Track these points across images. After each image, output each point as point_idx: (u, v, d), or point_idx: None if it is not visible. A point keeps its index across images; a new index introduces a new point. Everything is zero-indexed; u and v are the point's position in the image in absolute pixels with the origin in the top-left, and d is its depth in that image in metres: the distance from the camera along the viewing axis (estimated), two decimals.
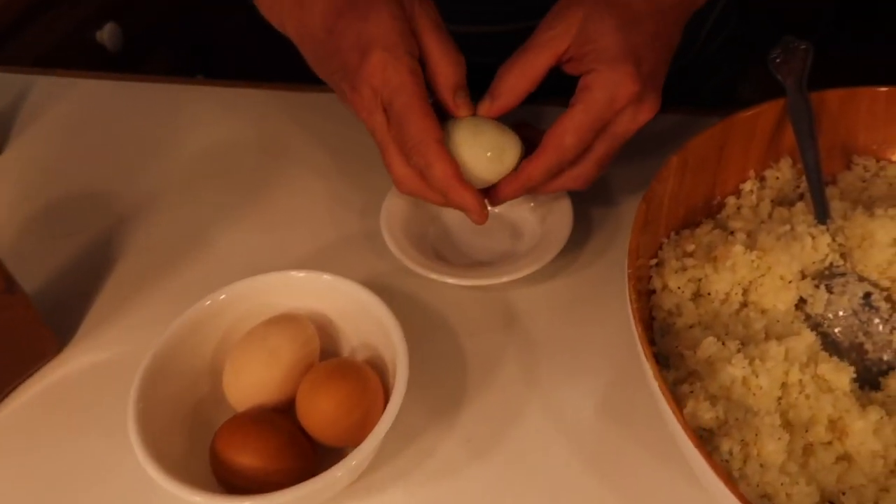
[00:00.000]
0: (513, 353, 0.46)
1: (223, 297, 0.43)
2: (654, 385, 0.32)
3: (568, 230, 0.49)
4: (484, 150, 0.43)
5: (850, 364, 0.39)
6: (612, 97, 0.41)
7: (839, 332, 0.40)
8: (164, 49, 1.16)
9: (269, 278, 0.43)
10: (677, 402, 0.35)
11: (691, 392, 0.35)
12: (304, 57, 0.48)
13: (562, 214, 0.50)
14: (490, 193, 0.46)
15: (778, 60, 0.47)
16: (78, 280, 0.53)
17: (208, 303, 0.42)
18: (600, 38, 0.41)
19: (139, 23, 1.13)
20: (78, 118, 0.67)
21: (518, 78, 0.43)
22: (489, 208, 0.45)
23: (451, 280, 0.47)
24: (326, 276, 0.43)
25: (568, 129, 0.42)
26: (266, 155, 0.62)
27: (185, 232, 0.56)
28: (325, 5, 0.44)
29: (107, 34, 1.08)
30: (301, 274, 0.43)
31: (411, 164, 0.43)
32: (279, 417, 0.40)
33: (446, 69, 0.43)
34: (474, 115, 0.44)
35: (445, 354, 0.47)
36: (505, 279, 0.47)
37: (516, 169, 0.44)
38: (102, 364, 0.48)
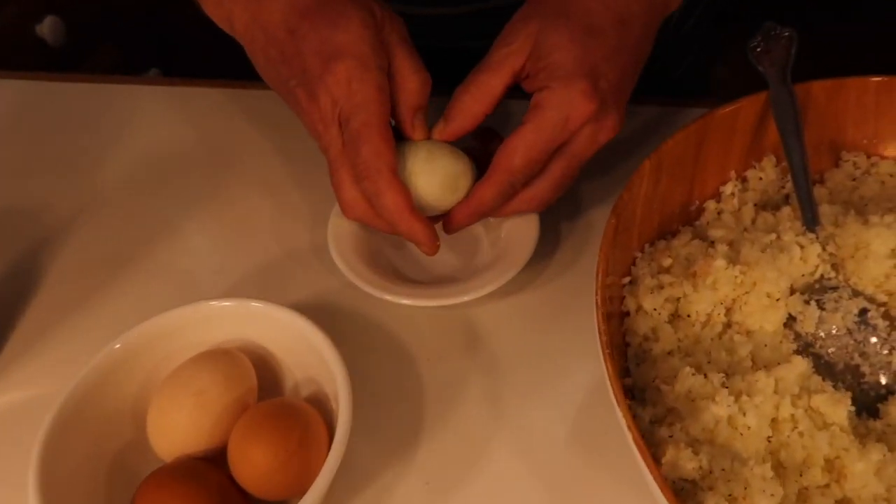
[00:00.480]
0: (475, 380, 0.42)
1: (139, 335, 0.38)
2: (629, 436, 0.27)
3: (534, 240, 0.44)
4: (438, 178, 0.40)
5: (846, 388, 0.35)
6: (566, 117, 0.37)
7: (832, 352, 0.36)
8: (112, 43, 1.09)
9: (191, 311, 0.38)
10: (655, 446, 0.31)
11: (670, 437, 0.31)
12: (250, 56, 0.43)
13: (527, 223, 0.45)
14: (444, 221, 0.42)
15: (759, 49, 0.43)
16: None
17: (118, 346, 0.37)
18: (554, 52, 0.37)
19: (83, 14, 1.06)
20: (7, 122, 0.61)
21: (473, 100, 0.40)
22: (443, 236, 0.42)
23: (407, 301, 0.43)
24: (256, 304, 0.38)
25: (517, 150, 0.38)
26: (211, 161, 0.57)
27: (119, 250, 0.51)
28: (287, 3, 0.40)
29: (47, 28, 1.01)
30: (227, 303, 0.38)
31: (361, 188, 0.39)
32: (209, 469, 0.35)
33: (413, 87, 0.40)
34: (429, 138, 0.40)
35: (401, 383, 0.42)
36: (466, 298, 0.42)
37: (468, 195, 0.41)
38: (17, 405, 0.43)
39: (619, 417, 0.28)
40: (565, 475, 0.37)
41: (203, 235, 0.52)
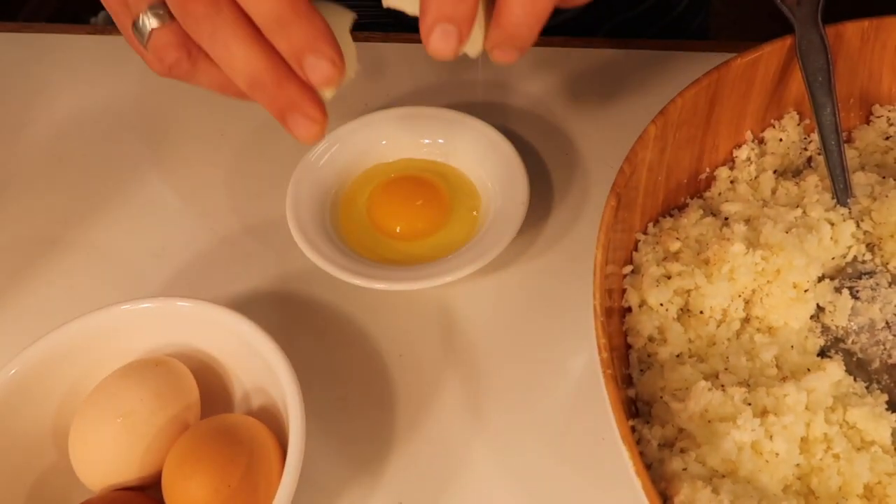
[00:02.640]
0: (452, 379, 0.37)
1: (60, 341, 0.32)
2: (637, 483, 0.22)
3: (523, 206, 0.38)
4: None
5: (882, 390, 0.30)
6: None
7: (868, 349, 0.31)
8: None
9: (114, 313, 0.32)
10: (666, 482, 0.26)
11: (684, 470, 0.25)
12: None
13: (513, 185, 0.39)
14: (495, 27, 0.28)
15: None
16: None
17: (13, 371, 0.31)
18: None
19: None
20: None
21: None
22: None
23: (380, 286, 0.37)
24: (184, 303, 0.32)
25: None
26: (153, 124, 0.50)
27: (43, 230, 0.44)
28: None
29: None
30: (148, 304, 0.32)
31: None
32: (143, 502, 0.30)
33: None
34: None
35: (368, 383, 0.37)
36: (446, 279, 0.37)
37: None
38: None
39: (626, 458, 0.23)
40: (555, 492, 0.33)
41: (144, 211, 0.45)
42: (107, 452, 0.30)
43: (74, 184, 0.47)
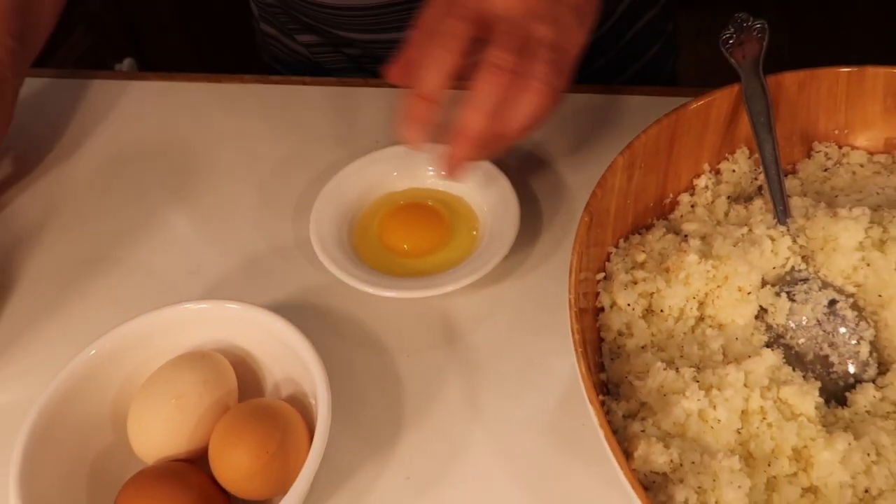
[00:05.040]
0: (454, 375, 0.42)
1: (117, 338, 0.38)
2: (601, 433, 0.28)
3: (515, 227, 0.45)
4: None
5: (816, 378, 0.36)
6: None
7: (803, 343, 0.37)
8: (82, 32, 1.07)
9: (168, 314, 0.38)
10: (628, 442, 0.31)
11: (642, 431, 0.31)
12: None
13: (506, 209, 0.46)
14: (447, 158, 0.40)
15: (731, 41, 0.43)
16: None
17: (92, 352, 0.37)
18: None
19: None
20: None
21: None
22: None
23: (390, 293, 0.43)
24: (232, 305, 0.38)
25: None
26: (186, 157, 0.56)
27: (91, 251, 0.51)
28: None
29: None
30: (203, 305, 0.38)
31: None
32: (191, 471, 0.36)
33: None
34: None
35: (380, 378, 0.43)
36: (448, 289, 0.43)
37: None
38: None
39: (592, 415, 0.29)
40: (543, 470, 0.38)
41: (180, 234, 0.51)
42: (161, 428, 0.36)
43: (116, 212, 0.53)
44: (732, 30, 0.43)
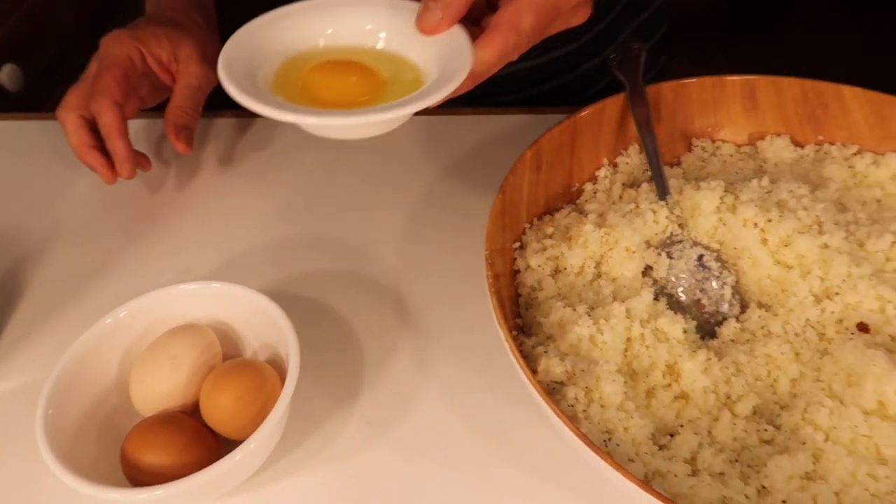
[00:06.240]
0: (406, 344, 0.50)
1: (123, 313, 0.45)
2: (510, 353, 0.36)
3: (467, 66, 0.37)
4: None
5: (693, 318, 0.44)
6: None
7: (682, 291, 0.46)
8: (70, 84, 1.16)
9: (165, 292, 0.46)
10: (534, 361, 0.40)
11: (545, 352, 0.40)
12: None
13: (458, 54, 0.38)
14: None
15: (618, 60, 0.53)
16: None
17: (109, 320, 0.44)
18: None
19: (40, 58, 1.13)
20: None
21: None
22: None
23: (312, 120, 0.35)
24: (216, 285, 0.46)
25: (525, 9, 0.38)
26: (169, 182, 0.65)
27: (91, 260, 0.58)
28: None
29: (6, 75, 1.07)
30: (194, 285, 0.46)
31: (91, 105, 0.56)
32: (184, 418, 0.43)
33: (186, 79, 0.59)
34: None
35: (344, 350, 0.50)
36: (409, 109, 0.35)
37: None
38: (13, 391, 0.50)
39: (503, 340, 0.37)
40: (478, 408, 0.46)
41: (166, 243, 0.59)
42: (158, 385, 0.43)
43: (109, 228, 0.61)
44: (618, 51, 0.54)
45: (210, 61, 0.60)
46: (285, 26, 0.40)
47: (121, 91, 0.56)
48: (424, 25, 0.39)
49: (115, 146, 0.56)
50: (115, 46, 0.58)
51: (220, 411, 0.42)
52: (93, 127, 0.58)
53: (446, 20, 0.38)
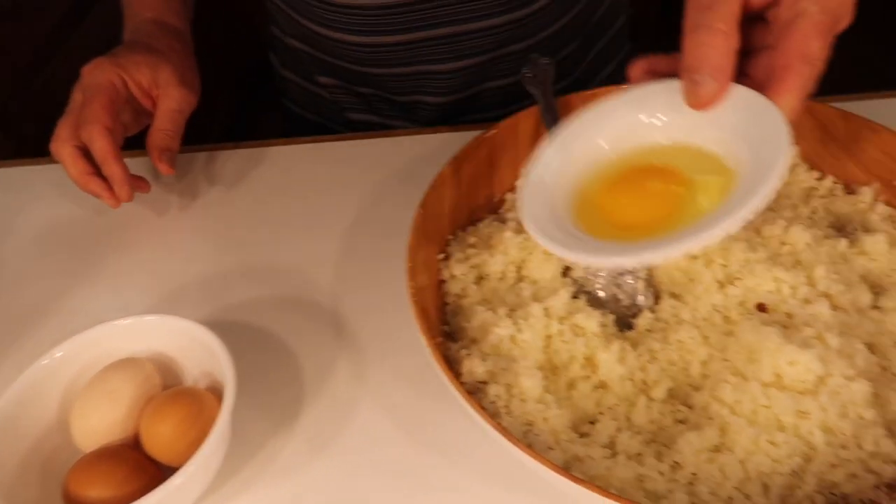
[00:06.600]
0: (344, 361, 0.52)
1: (59, 354, 0.46)
2: (430, 356, 0.38)
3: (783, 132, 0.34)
4: None
5: (612, 313, 0.47)
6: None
7: (599, 288, 0.48)
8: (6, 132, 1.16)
9: (101, 330, 0.47)
10: (458, 364, 0.42)
11: (468, 354, 0.42)
12: None
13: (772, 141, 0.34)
14: None
15: (530, 76, 0.56)
16: None
17: (45, 362, 0.45)
18: None
19: None
20: None
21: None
22: None
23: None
24: (150, 318, 0.47)
25: (809, 34, 0.34)
26: (105, 222, 0.65)
27: (30, 302, 0.59)
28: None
29: None
30: (128, 321, 0.47)
31: (81, 133, 0.57)
32: (125, 449, 0.44)
33: (167, 104, 0.61)
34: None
35: (283, 370, 0.52)
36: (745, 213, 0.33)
37: None
38: None
39: (424, 346, 0.39)
40: (415, 415, 0.47)
41: (105, 282, 0.60)
42: (99, 420, 0.44)
43: (49, 271, 0.61)
44: (529, 67, 0.57)
45: (189, 85, 0.62)
46: (565, 148, 0.41)
47: (109, 117, 0.58)
48: (698, 101, 0.35)
49: (112, 170, 0.57)
50: (98, 74, 0.59)
51: (159, 440, 0.43)
52: (87, 155, 0.59)
53: (723, 86, 0.34)
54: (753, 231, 0.47)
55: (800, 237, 0.46)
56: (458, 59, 0.72)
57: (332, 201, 0.64)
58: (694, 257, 0.47)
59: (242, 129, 1.20)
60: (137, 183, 0.61)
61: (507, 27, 0.69)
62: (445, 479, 0.44)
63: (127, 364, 0.46)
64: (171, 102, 0.61)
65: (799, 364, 0.40)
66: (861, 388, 0.39)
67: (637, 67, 0.40)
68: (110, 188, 0.58)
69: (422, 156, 0.68)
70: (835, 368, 0.40)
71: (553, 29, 0.73)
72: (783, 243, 0.47)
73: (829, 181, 0.52)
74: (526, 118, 0.55)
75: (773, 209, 0.49)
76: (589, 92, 0.56)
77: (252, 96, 1.15)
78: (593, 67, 0.82)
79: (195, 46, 0.71)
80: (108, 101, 0.58)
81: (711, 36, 0.34)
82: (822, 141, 0.53)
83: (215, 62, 0.88)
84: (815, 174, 0.53)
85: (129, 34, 0.67)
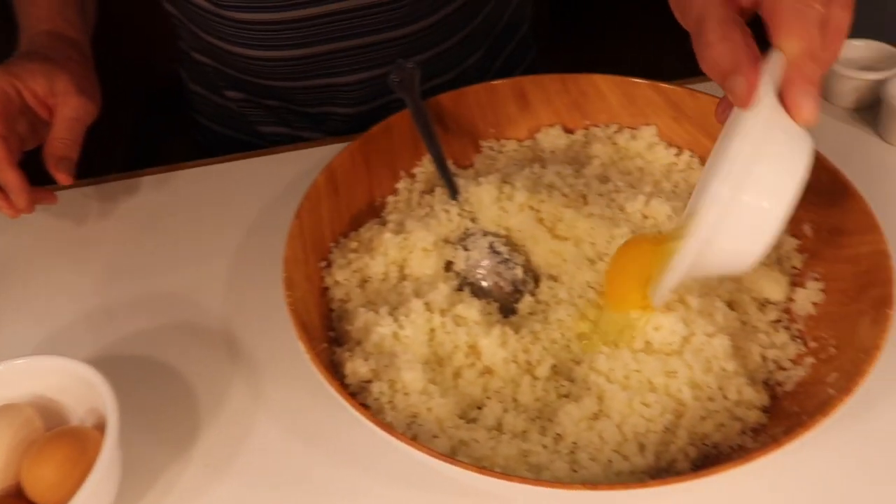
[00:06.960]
0: (239, 379, 0.51)
1: None
2: (308, 361, 0.38)
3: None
4: None
5: (496, 301, 0.48)
6: None
7: (482, 278, 0.50)
8: None
9: None
10: (342, 366, 0.42)
11: (351, 356, 0.42)
12: None
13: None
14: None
15: (397, 80, 0.57)
16: None
17: None
18: None
19: None
20: None
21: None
22: None
23: None
24: (21, 361, 0.45)
25: None
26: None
27: None
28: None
29: None
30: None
31: None
32: (6, 500, 0.42)
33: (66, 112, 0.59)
34: None
35: (177, 398, 0.51)
36: None
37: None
38: None
39: (303, 353, 0.39)
40: (311, 424, 0.47)
41: None
42: None
43: None
44: (396, 71, 0.58)
45: (87, 94, 0.60)
46: None
47: (3, 125, 0.55)
48: (740, 102, 0.33)
49: (6, 177, 0.55)
50: None
51: (41, 483, 0.41)
52: None
53: (748, 77, 0.33)
54: (618, 209, 0.50)
55: (660, 209, 0.49)
56: (363, 71, 0.72)
57: (219, 225, 0.63)
58: (565, 239, 0.49)
59: (153, 145, 1.17)
60: (41, 194, 0.59)
61: (409, 38, 0.71)
62: (345, 485, 0.44)
63: (3, 410, 0.44)
64: (69, 111, 0.59)
65: (664, 328, 0.42)
66: (722, 343, 0.42)
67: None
68: (7, 197, 0.56)
69: (306, 170, 0.67)
70: (697, 328, 0.42)
71: (457, 38, 0.75)
72: (645, 216, 0.49)
73: (686, 156, 0.56)
74: (399, 121, 0.56)
75: (635, 186, 0.52)
76: (455, 91, 0.58)
77: (162, 111, 1.13)
78: (503, 74, 0.83)
79: (106, 61, 0.68)
80: (1, 110, 0.56)
81: (710, 48, 0.35)
82: (676, 119, 0.56)
83: (125, 76, 0.87)
84: (674, 150, 0.56)
85: (24, 46, 0.65)
